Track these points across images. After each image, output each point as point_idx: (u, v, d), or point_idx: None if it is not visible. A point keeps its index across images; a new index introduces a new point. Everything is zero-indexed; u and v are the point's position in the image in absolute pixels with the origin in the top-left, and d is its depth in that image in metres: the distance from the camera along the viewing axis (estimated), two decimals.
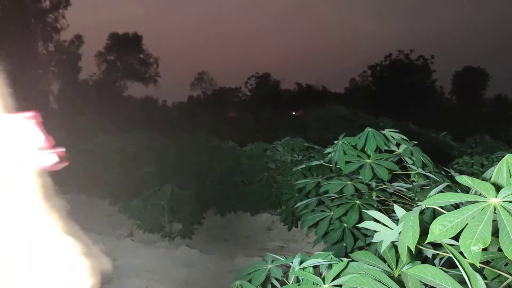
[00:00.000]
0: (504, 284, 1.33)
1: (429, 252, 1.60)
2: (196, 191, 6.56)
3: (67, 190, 8.35)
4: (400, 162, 2.99)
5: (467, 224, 1.08)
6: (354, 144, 2.96)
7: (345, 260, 1.58)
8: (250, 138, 12.14)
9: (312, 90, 61.60)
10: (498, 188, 1.13)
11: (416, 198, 2.85)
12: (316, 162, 3.98)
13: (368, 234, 2.79)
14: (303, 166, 4.22)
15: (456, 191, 1.84)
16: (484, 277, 1.39)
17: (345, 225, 2.81)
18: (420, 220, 1.25)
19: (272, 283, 1.85)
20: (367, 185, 2.88)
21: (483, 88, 53.59)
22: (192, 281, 4.45)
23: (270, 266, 1.81)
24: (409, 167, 3.00)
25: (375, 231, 1.65)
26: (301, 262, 1.72)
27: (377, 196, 2.98)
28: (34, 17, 34.49)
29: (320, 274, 1.63)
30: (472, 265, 1.14)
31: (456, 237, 1.09)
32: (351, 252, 2.66)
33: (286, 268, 1.85)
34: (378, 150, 2.84)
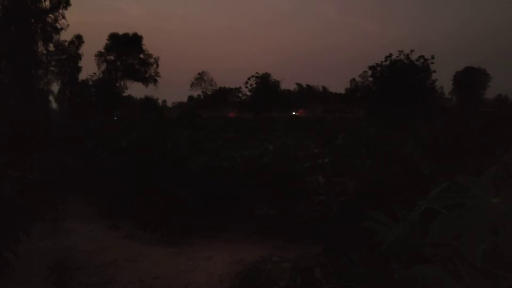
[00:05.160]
0: (504, 284, 1.33)
1: (429, 251, 1.60)
2: (196, 190, 6.55)
3: None
4: (401, 161, 2.99)
5: (467, 224, 1.08)
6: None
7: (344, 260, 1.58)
8: (250, 138, 12.14)
9: (313, 90, 61.66)
10: (498, 188, 1.13)
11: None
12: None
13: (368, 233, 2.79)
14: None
15: (457, 191, 1.84)
16: (484, 277, 1.39)
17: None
18: (420, 220, 1.25)
19: (272, 283, 1.85)
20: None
21: (484, 88, 53.57)
22: (192, 281, 4.44)
23: (270, 266, 1.81)
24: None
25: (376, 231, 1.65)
26: (301, 262, 1.72)
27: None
28: (34, 17, 34.43)
29: (321, 274, 1.63)
30: (472, 265, 1.14)
31: (456, 237, 1.09)
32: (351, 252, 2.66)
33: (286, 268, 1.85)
34: (381, 151, 2.84)
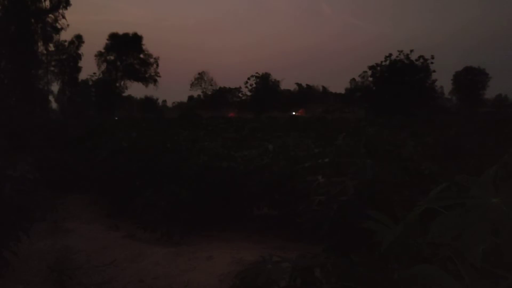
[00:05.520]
0: (504, 284, 1.33)
1: (429, 252, 1.60)
2: (196, 190, 6.55)
3: None
4: (401, 161, 2.99)
5: (467, 224, 1.08)
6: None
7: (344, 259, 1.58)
8: (250, 138, 12.15)
9: (313, 90, 61.71)
10: (498, 188, 1.13)
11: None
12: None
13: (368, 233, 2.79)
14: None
15: (457, 191, 1.85)
16: (484, 277, 1.39)
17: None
18: (420, 220, 1.25)
19: (272, 283, 1.85)
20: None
21: (484, 88, 53.56)
22: (192, 281, 4.44)
23: (270, 266, 1.81)
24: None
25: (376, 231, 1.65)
26: (301, 262, 1.72)
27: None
28: (34, 17, 34.45)
29: (321, 274, 1.63)
30: (472, 265, 1.14)
31: (456, 237, 1.09)
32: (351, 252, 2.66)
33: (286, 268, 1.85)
34: (381, 151, 2.84)
